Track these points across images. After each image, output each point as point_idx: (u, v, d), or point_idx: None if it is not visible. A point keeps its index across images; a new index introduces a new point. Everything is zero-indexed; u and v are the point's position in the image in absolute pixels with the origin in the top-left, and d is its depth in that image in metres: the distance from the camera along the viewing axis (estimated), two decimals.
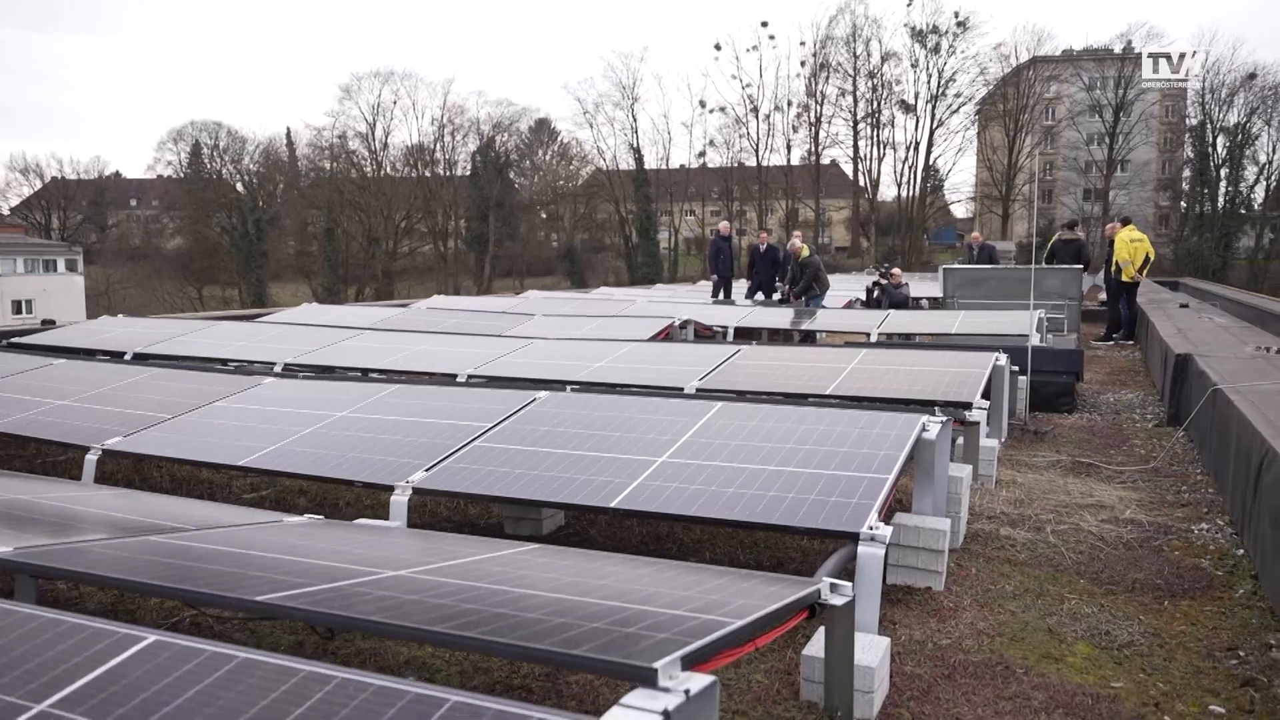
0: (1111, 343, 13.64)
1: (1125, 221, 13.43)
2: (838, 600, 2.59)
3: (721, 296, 16.93)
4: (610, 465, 3.96)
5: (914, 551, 3.87)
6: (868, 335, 11.24)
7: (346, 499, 5.21)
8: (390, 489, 3.92)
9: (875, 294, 13.56)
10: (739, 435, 4.21)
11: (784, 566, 4.18)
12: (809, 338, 12.51)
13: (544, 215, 65.10)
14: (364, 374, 8.08)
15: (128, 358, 8.71)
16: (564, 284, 51.17)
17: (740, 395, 6.58)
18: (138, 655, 1.48)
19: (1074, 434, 7.17)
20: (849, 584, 2.65)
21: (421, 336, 9.16)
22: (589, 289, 30.13)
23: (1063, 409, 8.08)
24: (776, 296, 16.57)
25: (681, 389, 6.46)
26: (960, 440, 5.46)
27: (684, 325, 10.75)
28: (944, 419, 4.31)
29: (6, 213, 58.89)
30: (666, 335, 10.43)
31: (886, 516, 3.77)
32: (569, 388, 5.22)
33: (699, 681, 1.56)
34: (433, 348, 8.64)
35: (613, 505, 3.54)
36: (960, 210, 65.07)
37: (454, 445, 4.33)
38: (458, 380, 7.30)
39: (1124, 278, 13.09)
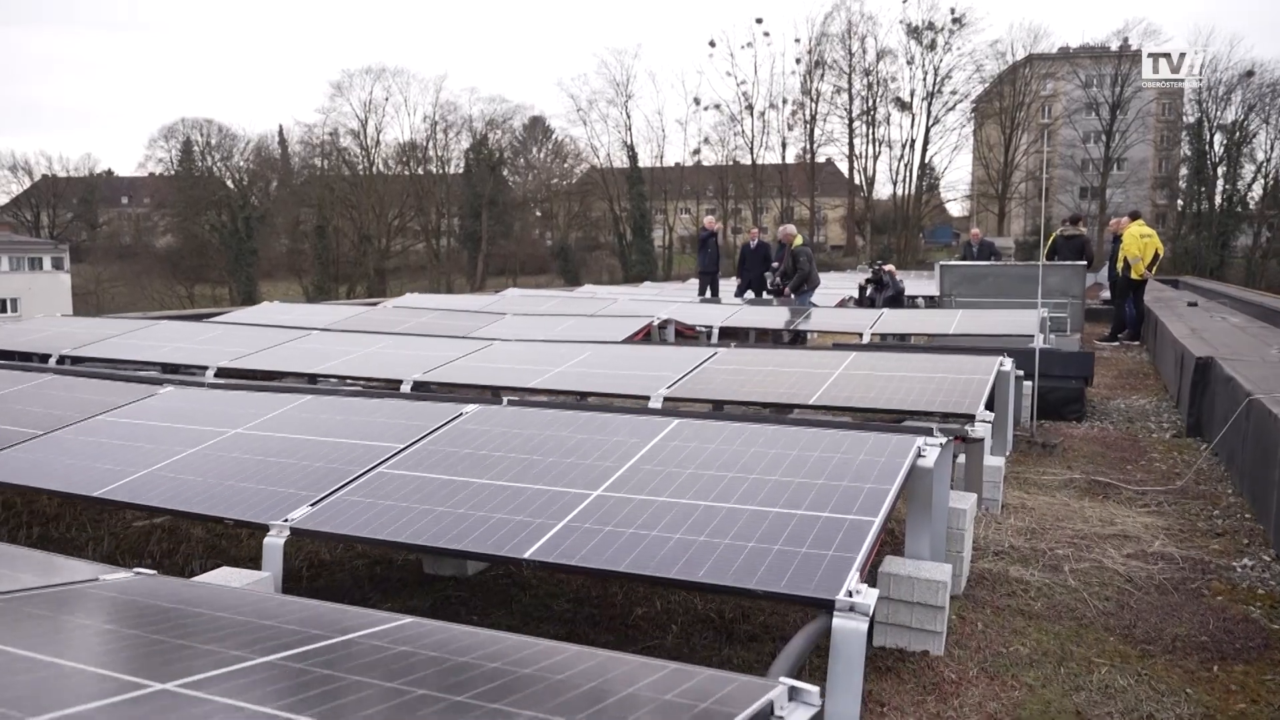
0: (1117, 343, 12.92)
1: (1134, 216, 12.70)
2: (800, 716, 1.85)
3: (709, 295, 16.21)
4: (534, 500, 3.21)
5: (907, 607, 3.13)
6: (860, 335, 10.53)
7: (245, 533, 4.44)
8: (265, 529, 3.18)
9: (869, 291, 12.82)
10: (694, 461, 3.46)
11: (751, 624, 3.43)
12: (798, 338, 11.78)
13: (539, 213, 64.33)
14: (312, 379, 7.33)
15: (52, 360, 8.02)
16: (557, 282, 50.45)
17: (716, 405, 5.85)
18: None
19: (1086, 446, 6.44)
20: (814, 690, 1.90)
21: (376, 338, 8.41)
22: (580, 287, 29.45)
23: (1071, 417, 7.35)
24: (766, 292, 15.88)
25: (647, 398, 5.73)
26: (961, 458, 4.71)
27: (664, 325, 10.02)
28: (943, 439, 3.54)
29: None
30: (644, 336, 9.70)
31: (875, 561, 3.06)
32: (506, 399, 4.47)
33: None
34: (385, 350, 7.90)
35: (525, 556, 2.80)
36: (956, 209, 64.44)
37: (354, 472, 3.58)
38: (402, 387, 6.57)
39: (1133, 275, 12.36)
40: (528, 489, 3.31)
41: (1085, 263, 13.27)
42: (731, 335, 12.15)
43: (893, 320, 10.89)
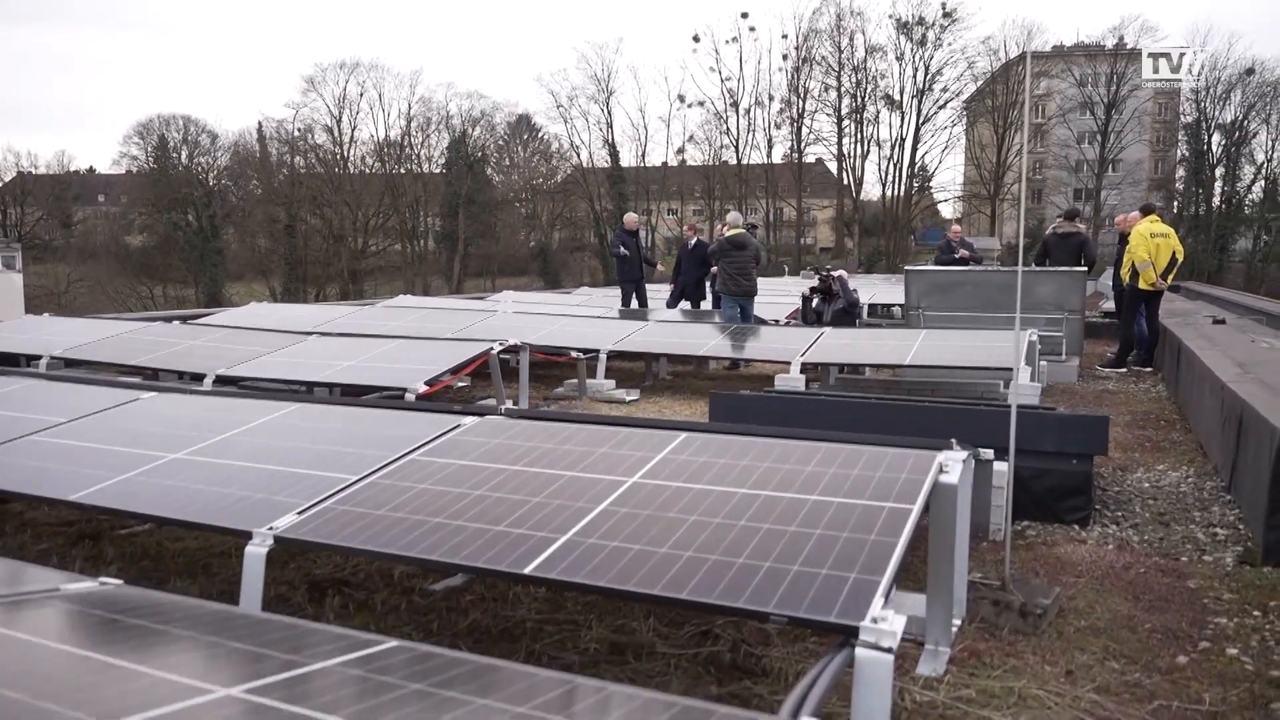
0: (1125, 369, 10.07)
1: (1147, 210, 9.85)
2: None
3: (635, 305, 13.39)
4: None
5: None
6: (788, 365, 7.76)
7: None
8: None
9: (815, 302, 9.98)
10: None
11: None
12: (703, 364, 8.99)
13: (524, 212, 61.50)
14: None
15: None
16: (537, 284, 47.94)
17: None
18: None
19: (1099, 602, 3.58)
20: None
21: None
22: (562, 289, 26.92)
23: (1072, 519, 4.53)
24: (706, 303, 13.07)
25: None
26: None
27: (516, 349, 7.25)
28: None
29: None
30: (473, 370, 6.95)
31: None
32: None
33: None
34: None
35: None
36: (948, 210, 61.55)
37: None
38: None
39: (1142, 284, 9.53)
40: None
41: (1085, 267, 10.46)
42: (623, 359, 9.39)
43: (832, 345, 8.07)
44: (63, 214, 56.99)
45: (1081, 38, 54.55)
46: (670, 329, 8.93)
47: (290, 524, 2.86)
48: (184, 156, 53.78)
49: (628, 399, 8.03)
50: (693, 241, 13.17)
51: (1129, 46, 49.56)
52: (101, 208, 61.35)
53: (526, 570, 2.47)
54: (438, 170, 55.77)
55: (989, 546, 4.14)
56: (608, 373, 9.54)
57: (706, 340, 8.39)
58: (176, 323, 8.80)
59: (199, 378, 6.78)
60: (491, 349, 6.81)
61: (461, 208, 51.99)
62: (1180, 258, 9.68)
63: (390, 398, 6.15)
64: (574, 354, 8.01)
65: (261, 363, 7.01)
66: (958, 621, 3.18)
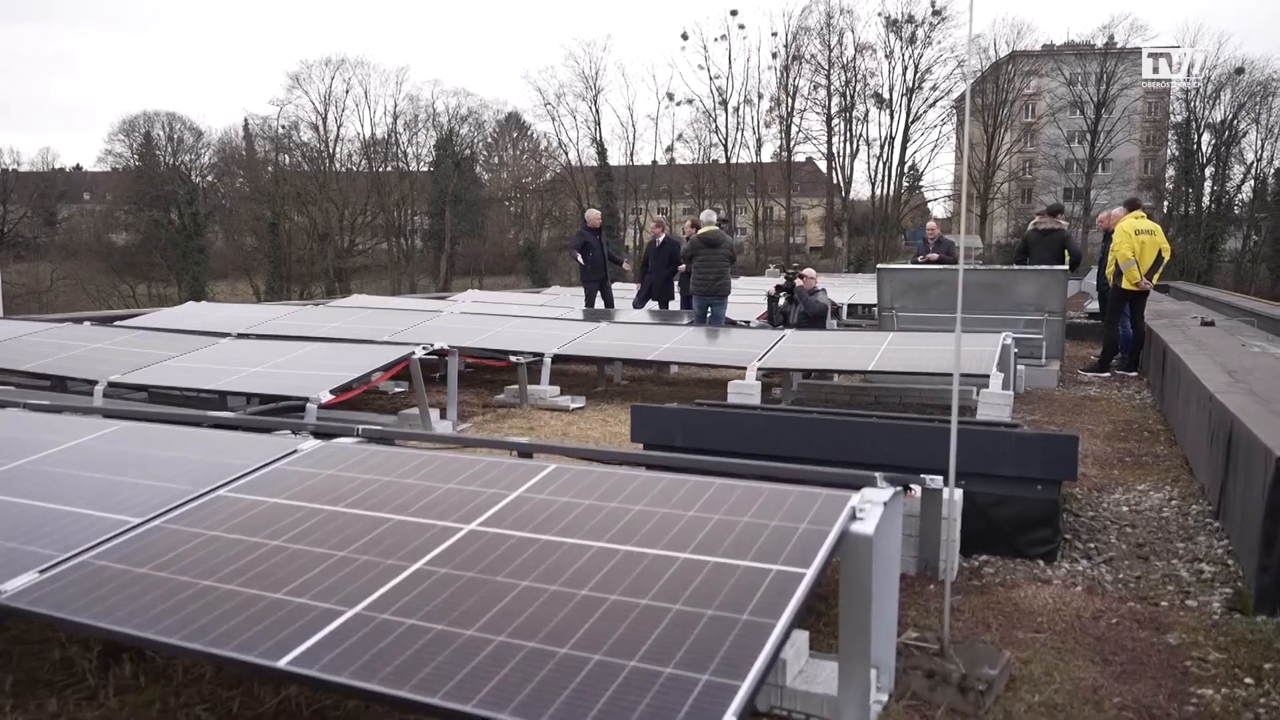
0: (1108, 374, 9.47)
1: (1132, 205, 9.23)
2: None
3: (602, 305, 12.78)
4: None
5: None
6: (744, 370, 7.16)
7: None
8: None
9: (781, 302, 9.36)
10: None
11: None
12: (664, 367, 8.37)
13: (514, 211, 60.75)
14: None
15: None
16: (524, 283, 47.20)
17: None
18: None
19: (1058, 667, 2.95)
20: None
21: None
22: (548, 288, 26.22)
23: (1036, 553, 3.91)
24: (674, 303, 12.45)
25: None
26: None
27: (444, 353, 6.64)
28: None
29: None
30: (394, 374, 6.33)
31: None
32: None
33: None
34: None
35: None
36: (939, 210, 60.96)
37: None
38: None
39: (1125, 284, 8.92)
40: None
41: (1068, 266, 9.85)
42: (570, 362, 8.79)
43: (793, 349, 7.45)
44: (46, 212, 56.13)
45: (1071, 36, 54.08)
46: (623, 331, 8.29)
47: (22, 587, 2.26)
48: (169, 154, 53.00)
49: (572, 406, 7.40)
50: (660, 239, 12.55)
51: (1119, 45, 49.11)
52: (87, 205, 60.49)
53: (280, 663, 1.87)
54: (425, 168, 55.02)
55: (937, 590, 3.52)
56: (561, 377, 8.93)
57: (660, 343, 7.75)
58: (88, 324, 8.14)
59: (93, 384, 6.14)
60: (413, 354, 6.18)
61: (448, 206, 51.28)
62: (1167, 256, 9.07)
63: (291, 409, 5.53)
64: (513, 359, 7.37)
65: (164, 368, 6.36)
66: (882, 698, 2.57)
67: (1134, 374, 9.50)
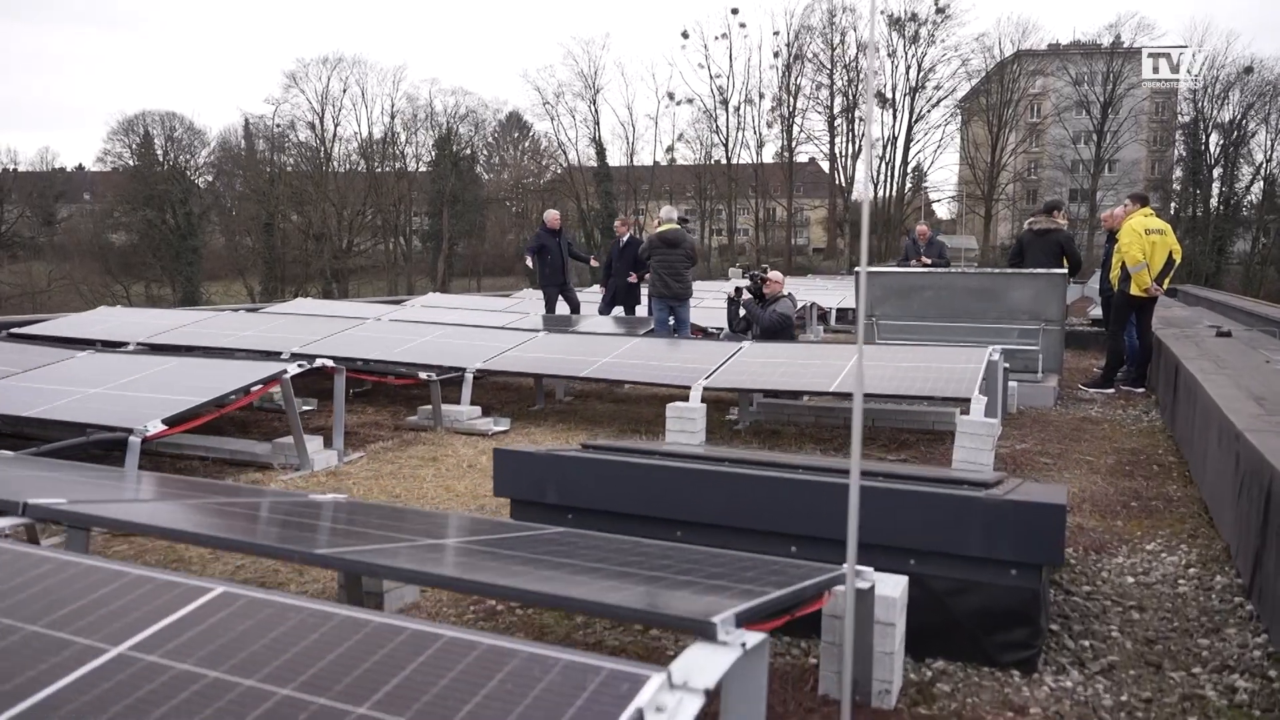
0: (1112, 390, 8.39)
1: (1141, 200, 8.16)
2: None
3: (566, 310, 11.75)
4: None
5: None
6: (688, 389, 6.12)
7: None
8: None
9: (742, 314, 8.30)
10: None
11: None
12: (618, 384, 7.35)
13: (515, 211, 59.76)
14: None
15: None
16: (523, 283, 46.22)
17: None
18: None
19: None
20: None
21: None
22: (518, 291, 25.24)
23: (1009, 660, 2.87)
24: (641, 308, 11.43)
25: None
26: None
27: (330, 371, 5.63)
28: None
29: None
30: (258, 395, 5.30)
31: None
32: None
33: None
34: None
35: None
36: (943, 210, 59.77)
37: None
38: None
39: (1134, 289, 7.85)
40: None
41: (1068, 270, 8.78)
42: (503, 377, 7.83)
43: (747, 365, 6.40)
44: (45, 211, 55.42)
45: (1078, 35, 52.77)
46: (560, 343, 7.25)
47: None
48: (167, 153, 52.18)
49: (493, 430, 6.38)
50: (624, 239, 11.54)
51: (1126, 44, 47.83)
52: (87, 205, 59.77)
53: None
54: (424, 168, 54.07)
55: (870, 719, 2.49)
56: (502, 392, 7.92)
57: (598, 357, 6.72)
58: None
59: None
60: (284, 372, 5.16)
61: (446, 206, 50.33)
62: (1178, 259, 8.01)
63: (113, 442, 4.52)
64: (423, 375, 6.34)
65: None
66: None
67: (1141, 390, 8.42)
